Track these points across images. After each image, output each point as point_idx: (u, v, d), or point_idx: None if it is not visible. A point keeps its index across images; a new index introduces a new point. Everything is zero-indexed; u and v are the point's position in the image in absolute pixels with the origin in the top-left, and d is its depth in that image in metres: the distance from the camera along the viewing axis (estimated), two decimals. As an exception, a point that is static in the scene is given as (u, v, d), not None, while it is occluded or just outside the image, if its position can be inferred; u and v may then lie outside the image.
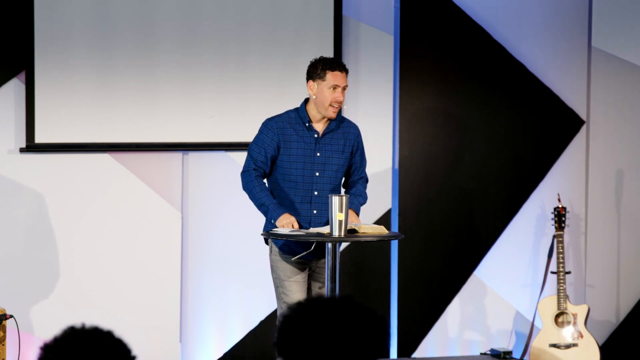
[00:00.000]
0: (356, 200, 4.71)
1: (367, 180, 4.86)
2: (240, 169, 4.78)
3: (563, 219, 6.05)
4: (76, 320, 5.82)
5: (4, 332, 5.03)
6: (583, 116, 6.40)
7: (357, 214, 4.68)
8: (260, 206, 4.63)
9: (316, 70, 4.63)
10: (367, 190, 4.89)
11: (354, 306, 2.08)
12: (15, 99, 5.64)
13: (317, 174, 4.68)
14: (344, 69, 4.64)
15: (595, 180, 6.39)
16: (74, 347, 2.02)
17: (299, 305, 2.09)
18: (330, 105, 4.61)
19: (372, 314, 2.09)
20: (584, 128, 6.41)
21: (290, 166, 4.66)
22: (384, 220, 6.11)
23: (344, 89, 4.63)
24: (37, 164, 5.67)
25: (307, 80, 4.67)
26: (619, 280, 6.41)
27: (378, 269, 6.17)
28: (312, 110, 4.69)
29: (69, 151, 5.70)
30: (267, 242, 4.76)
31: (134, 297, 5.78)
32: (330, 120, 4.70)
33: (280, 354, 2.09)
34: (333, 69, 4.61)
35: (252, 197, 4.65)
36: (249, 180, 4.65)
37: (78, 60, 5.65)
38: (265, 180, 4.73)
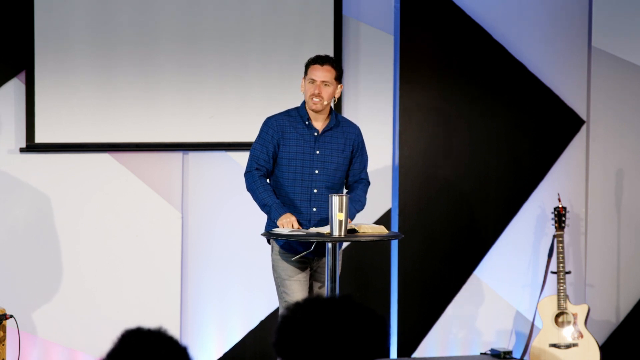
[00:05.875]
0: (353, 207, 4.69)
1: (368, 183, 4.85)
2: (241, 169, 4.79)
3: (563, 219, 6.05)
4: (76, 320, 5.83)
5: (4, 332, 5.03)
6: (583, 116, 6.40)
7: (351, 220, 4.66)
8: (263, 206, 4.63)
9: (305, 67, 4.71)
10: (368, 191, 4.88)
11: (352, 306, 2.08)
12: (15, 99, 5.64)
13: (317, 171, 4.68)
14: (324, 63, 4.67)
15: (595, 180, 6.39)
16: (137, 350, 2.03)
17: (297, 305, 2.09)
18: (310, 98, 4.65)
19: (371, 314, 2.09)
20: (584, 128, 6.41)
21: (289, 163, 4.67)
22: (384, 220, 6.12)
23: (324, 83, 4.65)
24: (37, 163, 5.67)
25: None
26: (619, 280, 6.41)
27: (378, 269, 6.17)
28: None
29: (69, 151, 5.70)
30: (269, 242, 4.77)
31: (134, 297, 5.78)
32: (329, 118, 4.72)
33: (280, 354, 2.09)
34: (313, 63, 4.69)
35: (256, 198, 4.65)
36: (252, 180, 4.65)
37: (78, 60, 5.65)
38: (267, 179, 4.73)
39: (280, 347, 2.08)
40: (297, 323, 2.07)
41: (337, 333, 2.05)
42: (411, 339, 6.21)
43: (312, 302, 2.09)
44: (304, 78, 4.70)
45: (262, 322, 5.99)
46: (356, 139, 4.79)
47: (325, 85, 4.65)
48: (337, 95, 4.73)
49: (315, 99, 4.65)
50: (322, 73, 4.65)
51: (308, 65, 4.70)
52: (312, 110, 4.69)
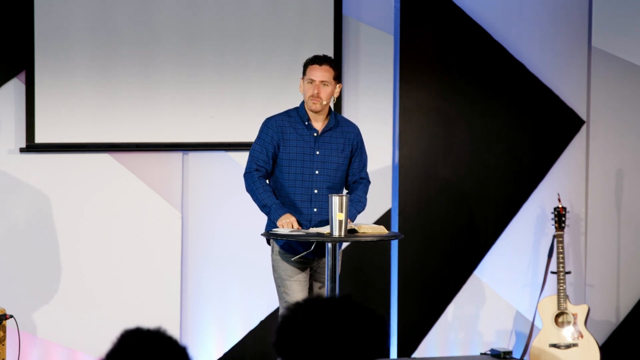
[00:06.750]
0: (353, 208, 4.69)
1: (368, 182, 4.85)
2: (241, 169, 4.79)
3: (563, 219, 6.05)
4: (76, 320, 5.82)
5: (4, 332, 5.03)
6: (583, 116, 6.40)
7: (352, 221, 4.66)
8: (262, 207, 4.62)
9: (303, 68, 4.70)
10: (369, 190, 4.88)
11: (352, 306, 2.08)
12: (15, 99, 5.64)
13: (317, 172, 4.68)
14: (322, 62, 4.66)
15: (595, 180, 6.39)
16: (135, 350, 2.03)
17: (297, 305, 2.09)
18: (309, 98, 4.65)
19: (371, 314, 2.09)
20: (584, 128, 6.41)
21: (289, 164, 4.66)
22: (384, 220, 6.12)
23: (322, 83, 4.64)
24: (37, 164, 5.67)
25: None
26: (619, 280, 6.41)
27: (378, 269, 6.17)
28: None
29: (69, 151, 5.70)
30: (269, 242, 4.77)
31: (134, 297, 5.78)
32: (329, 118, 4.72)
33: (280, 354, 2.09)
34: (311, 63, 4.69)
35: (255, 199, 4.65)
36: (252, 181, 4.65)
37: (78, 60, 5.65)
38: (267, 180, 4.73)
39: (280, 347, 2.08)
40: (297, 323, 2.07)
41: (337, 333, 2.05)
42: (411, 339, 6.21)
43: (312, 302, 2.09)
44: (303, 78, 4.70)
45: (262, 322, 5.99)
46: (355, 138, 4.79)
47: (324, 85, 4.65)
48: (336, 95, 4.73)
49: (314, 99, 4.64)
50: (321, 73, 4.65)
51: (306, 66, 4.69)
52: (312, 111, 4.68)
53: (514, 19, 6.28)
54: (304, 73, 4.69)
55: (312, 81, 4.65)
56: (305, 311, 2.07)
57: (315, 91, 4.63)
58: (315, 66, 4.66)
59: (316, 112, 4.68)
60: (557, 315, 5.96)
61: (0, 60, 5.62)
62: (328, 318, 2.06)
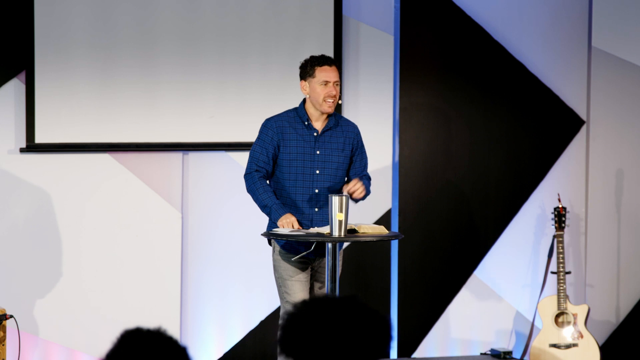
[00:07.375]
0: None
1: (369, 179, 4.86)
2: (241, 169, 4.79)
3: (563, 219, 6.05)
4: (76, 320, 5.82)
5: (4, 332, 5.03)
6: (583, 116, 6.40)
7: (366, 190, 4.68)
8: (263, 208, 4.63)
9: (306, 69, 4.70)
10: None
11: (358, 306, 2.09)
12: (15, 99, 5.64)
13: (318, 171, 4.69)
14: (332, 63, 4.68)
15: (595, 180, 6.39)
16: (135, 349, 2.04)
17: (304, 303, 2.10)
18: (324, 100, 4.64)
19: (376, 315, 2.10)
20: (584, 128, 6.41)
21: (290, 164, 4.67)
22: (384, 220, 6.12)
23: (335, 83, 4.65)
24: (37, 164, 5.67)
25: (300, 80, 4.71)
26: (619, 280, 6.41)
27: (378, 269, 6.17)
28: (310, 108, 4.71)
29: (69, 151, 5.70)
30: (270, 243, 4.77)
31: (134, 297, 5.78)
32: (329, 118, 4.72)
33: (284, 351, 2.09)
34: (321, 65, 4.66)
35: (256, 199, 4.65)
36: (252, 182, 4.65)
37: (78, 60, 5.65)
38: (268, 181, 4.73)
39: (284, 344, 2.08)
40: (302, 321, 2.07)
41: (342, 332, 2.06)
42: (411, 339, 6.21)
43: (318, 301, 2.10)
44: (307, 79, 4.68)
45: (262, 322, 5.99)
46: (355, 137, 4.80)
47: (336, 85, 4.67)
48: None
49: (329, 100, 4.65)
50: (334, 74, 4.67)
51: (312, 66, 4.67)
52: (325, 112, 4.68)
53: (514, 19, 6.28)
54: (311, 74, 4.66)
55: (326, 83, 4.64)
56: (311, 309, 2.07)
57: (333, 92, 4.65)
58: (327, 67, 4.66)
59: (330, 112, 4.69)
60: (557, 315, 5.96)
61: (0, 60, 5.62)
62: (334, 317, 2.06)
